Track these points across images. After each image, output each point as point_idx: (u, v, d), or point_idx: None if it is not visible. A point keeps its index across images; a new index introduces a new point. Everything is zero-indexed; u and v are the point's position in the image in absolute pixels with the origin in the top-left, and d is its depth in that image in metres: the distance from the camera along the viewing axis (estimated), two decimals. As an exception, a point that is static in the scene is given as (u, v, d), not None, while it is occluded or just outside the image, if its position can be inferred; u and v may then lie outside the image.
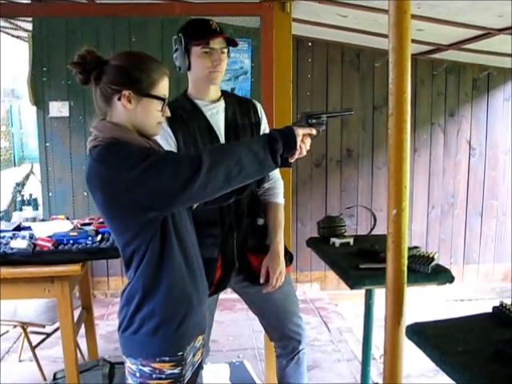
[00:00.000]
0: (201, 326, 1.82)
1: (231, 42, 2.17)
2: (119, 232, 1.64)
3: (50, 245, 2.60)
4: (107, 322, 4.39)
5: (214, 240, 2.21)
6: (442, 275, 2.13)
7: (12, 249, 2.56)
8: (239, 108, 2.29)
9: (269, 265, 2.27)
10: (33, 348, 3.30)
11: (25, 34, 5.12)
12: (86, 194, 4.73)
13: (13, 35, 5.67)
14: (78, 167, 4.73)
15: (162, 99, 1.66)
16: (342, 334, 4.26)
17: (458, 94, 5.19)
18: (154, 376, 1.65)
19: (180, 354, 1.67)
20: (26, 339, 3.34)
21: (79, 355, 3.26)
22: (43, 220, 3.42)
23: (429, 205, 5.29)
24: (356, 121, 5.02)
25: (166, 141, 2.13)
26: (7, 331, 3.57)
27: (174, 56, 2.22)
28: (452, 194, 5.31)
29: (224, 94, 2.31)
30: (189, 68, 2.18)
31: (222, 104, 2.26)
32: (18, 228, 2.97)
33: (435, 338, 1.36)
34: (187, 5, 3.19)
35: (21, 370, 3.58)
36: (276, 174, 2.31)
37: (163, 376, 1.65)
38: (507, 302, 1.50)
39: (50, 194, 4.78)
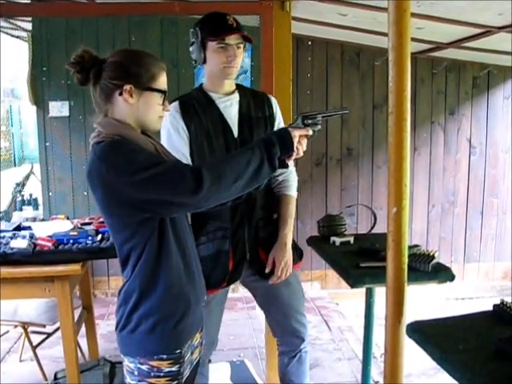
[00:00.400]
0: (198, 325, 1.82)
1: (247, 38, 2.18)
2: (117, 230, 1.64)
3: (50, 244, 2.60)
4: (108, 321, 4.39)
5: (224, 232, 2.23)
6: (442, 273, 2.13)
7: (12, 249, 2.56)
8: (253, 101, 2.31)
9: (275, 255, 2.27)
10: (33, 348, 3.30)
11: (24, 34, 5.11)
12: (86, 193, 4.73)
13: (12, 35, 5.66)
14: (78, 167, 4.73)
15: (163, 92, 1.67)
16: (343, 333, 4.26)
17: (458, 93, 5.18)
18: (152, 374, 1.65)
19: (178, 351, 1.67)
20: (26, 339, 3.34)
21: (80, 355, 3.26)
22: (43, 220, 3.42)
23: (429, 203, 5.29)
24: (356, 119, 5.02)
25: (178, 132, 2.16)
26: (8, 331, 3.57)
27: (190, 49, 2.25)
28: (452, 192, 5.31)
29: (238, 87, 2.33)
30: (204, 62, 2.20)
31: (236, 97, 2.28)
32: (18, 228, 2.97)
33: (436, 337, 1.36)
34: (186, 4, 3.18)
35: (22, 370, 3.58)
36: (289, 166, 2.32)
37: (161, 374, 1.66)
38: (508, 300, 1.50)
39: (50, 193, 4.78)
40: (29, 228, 2.92)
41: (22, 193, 4.84)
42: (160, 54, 4.44)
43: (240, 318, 4.49)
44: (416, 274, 2.05)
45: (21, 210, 4.43)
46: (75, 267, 2.55)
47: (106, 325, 4.31)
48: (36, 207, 4.58)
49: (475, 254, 5.43)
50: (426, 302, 4.54)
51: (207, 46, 2.16)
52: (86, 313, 3.32)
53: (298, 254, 2.41)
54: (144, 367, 1.65)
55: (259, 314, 4.28)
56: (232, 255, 2.25)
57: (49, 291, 2.62)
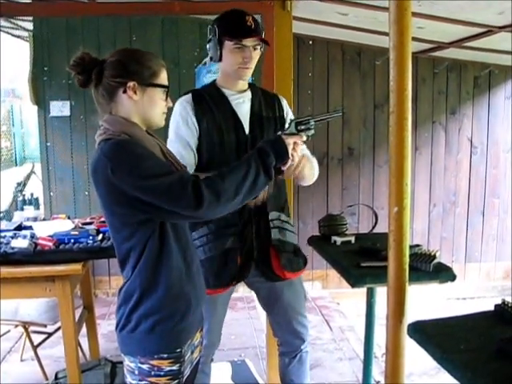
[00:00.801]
0: (199, 324, 1.83)
1: (264, 41, 2.19)
2: (117, 228, 1.64)
3: (51, 244, 2.60)
4: (109, 321, 4.39)
5: (232, 229, 2.22)
6: (443, 273, 2.13)
7: (13, 248, 2.56)
8: (265, 100, 2.32)
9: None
10: (34, 347, 3.30)
11: (26, 34, 5.12)
12: (87, 193, 4.74)
13: (14, 35, 5.67)
14: (79, 166, 4.74)
15: (166, 87, 1.69)
16: (344, 333, 4.26)
17: (459, 92, 5.18)
18: (152, 373, 1.65)
19: (178, 350, 1.67)
20: (27, 339, 3.34)
21: (81, 354, 3.26)
22: (44, 219, 3.42)
23: (430, 203, 5.29)
24: (357, 119, 5.02)
25: (186, 123, 2.18)
26: (9, 331, 3.57)
27: (207, 46, 2.26)
28: (453, 192, 5.31)
29: (251, 85, 2.34)
30: (220, 59, 2.21)
31: (248, 94, 2.29)
32: (19, 227, 2.97)
33: (437, 337, 1.35)
34: (187, 3, 3.18)
35: (22, 370, 3.58)
36: (306, 152, 2.29)
37: (162, 373, 1.66)
38: (509, 299, 1.50)
39: (52, 193, 4.79)
40: (30, 228, 2.92)
41: (23, 192, 4.85)
42: (161, 53, 4.44)
43: (241, 318, 4.49)
44: (417, 273, 2.04)
45: (22, 209, 4.43)
46: (76, 267, 2.55)
47: (107, 324, 4.31)
48: (37, 207, 4.58)
49: (476, 254, 5.43)
50: (427, 301, 4.54)
51: (224, 45, 2.17)
52: (87, 312, 3.32)
53: (302, 260, 2.42)
54: (144, 366, 1.65)
55: (260, 314, 4.28)
56: (240, 253, 2.25)
57: (50, 291, 2.61)
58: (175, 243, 1.67)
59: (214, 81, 2.33)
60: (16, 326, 3.34)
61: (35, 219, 3.39)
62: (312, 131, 1.84)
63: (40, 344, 3.37)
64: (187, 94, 2.25)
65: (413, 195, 5.04)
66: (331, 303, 4.96)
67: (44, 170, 4.79)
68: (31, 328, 3.35)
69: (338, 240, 2.58)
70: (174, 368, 1.67)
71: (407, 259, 1.34)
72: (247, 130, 2.22)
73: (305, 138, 1.77)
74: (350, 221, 2.67)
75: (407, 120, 1.28)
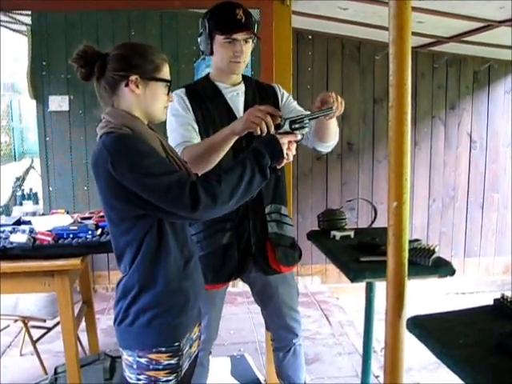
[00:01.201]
0: (197, 318, 1.83)
1: (255, 34, 2.17)
2: (115, 222, 1.65)
3: (49, 239, 2.60)
4: (108, 316, 4.40)
5: (228, 224, 2.22)
6: (442, 268, 2.13)
7: (12, 243, 2.55)
8: (259, 92, 2.31)
9: (324, 94, 2.00)
10: (34, 342, 3.30)
11: (24, 28, 5.10)
12: (86, 188, 4.73)
13: (12, 29, 5.65)
14: (78, 161, 4.74)
15: (168, 81, 1.70)
16: (343, 328, 4.27)
17: (458, 87, 5.17)
18: (151, 367, 1.65)
19: (176, 344, 1.68)
20: (26, 333, 3.35)
21: (80, 349, 3.26)
22: (43, 214, 3.41)
23: (429, 198, 5.29)
24: (356, 114, 5.01)
25: (186, 110, 2.16)
26: (8, 325, 3.58)
27: (199, 39, 2.23)
28: (453, 187, 5.31)
29: (245, 78, 2.32)
30: (211, 53, 2.19)
31: (242, 87, 2.28)
32: (18, 222, 2.96)
33: (436, 331, 1.35)
34: (186, -2, 3.17)
35: (22, 365, 3.59)
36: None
37: (160, 367, 1.66)
38: (508, 294, 1.50)
39: (51, 188, 4.78)
40: (29, 222, 2.92)
41: (22, 187, 4.85)
42: (160, 48, 4.41)
43: (240, 313, 4.50)
44: (416, 268, 2.04)
45: (21, 204, 4.43)
46: (75, 262, 2.55)
47: (107, 319, 4.32)
48: (36, 202, 4.57)
49: (476, 249, 5.43)
50: (427, 296, 4.54)
51: (214, 39, 2.15)
52: (86, 307, 3.32)
53: (297, 254, 2.42)
54: (143, 360, 1.65)
55: (259, 309, 4.28)
56: (237, 248, 2.25)
57: (49, 286, 2.61)
58: (173, 238, 1.67)
59: (208, 74, 2.31)
60: (15, 320, 3.34)
61: (34, 214, 3.39)
62: (306, 129, 1.84)
63: (39, 339, 3.38)
64: (180, 88, 2.23)
65: (412, 190, 5.04)
66: (330, 298, 4.97)
67: (43, 165, 4.79)
68: (30, 323, 3.35)
69: (338, 235, 2.58)
70: (173, 362, 1.67)
71: (406, 254, 1.34)
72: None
73: (299, 137, 1.77)
74: (349, 216, 2.67)
75: (407, 114, 1.27)
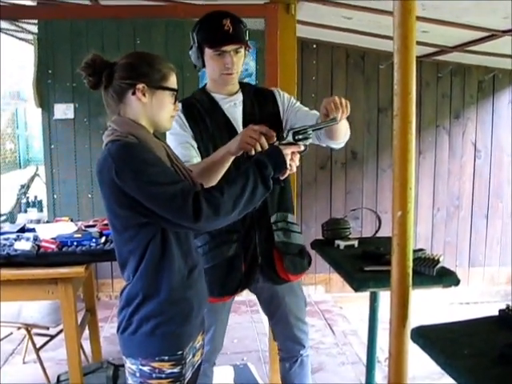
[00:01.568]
0: (200, 327, 1.83)
1: (244, 44, 2.14)
2: (119, 230, 1.65)
3: (54, 246, 2.60)
4: (111, 324, 4.39)
5: (234, 236, 2.20)
6: (447, 278, 2.12)
7: (16, 250, 2.56)
8: (257, 100, 2.27)
9: (326, 101, 1.98)
10: (37, 350, 3.30)
11: (30, 37, 5.13)
12: (90, 196, 4.74)
13: (19, 38, 5.68)
14: (82, 169, 4.74)
15: (175, 90, 1.70)
16: (347, 337, 4.25)
17: (463, 96, 5.17)
18: (154, 375, 1.65)
19: (179, 353, 1.67)
20: (30, 341, 3.34)
21: (83, 357, 3.26)
22: (48, 222, 3.42)
23: (434, 207, 5.28)
24: (361, 123, 5.01)
25: (184, 128, 2.13)
26: (11, 333, 3.57)
27: (190, 53, 2.22)
28: (457, 196, 5.30)
29: (242, 86, 2.29)
30: (203, 66, 2.17)
31: (239, 97, 2.25)
32: (23, 230, 2.97)
33: (440, 342, 1.35)
34: (191, 6, 3.19)
35: (25, 372, 3.58)
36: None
37: (163, 375, 1.66)
38: (513, 304, 1.49)
39: (55, 195, 4.79)
40: (33, 230, 2.93)
41: (27, 195, 4.85)
42: (165, 56, 4.44)
43: (243, 322, 4.48)
44: (421, 278, 2.03)
45: (25, 211, 4.43)
46: (79, 269, 2.55)
47: (110, 327, 4.31)
48: (40, 209, 4.57)
49: (480, 259, 5.41)
50: (431, 306, 4.52)
51: (204, 52, 2.13)
52: (90, 315, 3.32)
53: (306, 261, 2.41)
54: (146, 368, 1.65)
55: (263, 318, 4.27)
56: (244, 259, 2.23)
57: (52, 293, 2.62)
58: (177, 247, 1.67)
59: (205, 86, 2.29)
60: (19, 328, 3.33)
61: (38, 221, 3.39)
62: (310, 140, 1.83)
63: (42, 346, 3.37)
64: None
65: (416, 199, 5.02)
66: (334, 307, 4.95)
67: (48, 173, 4.80)
68: (34, 330, 3.34)
69: (342, 244, 2.57)
70: (176, 370, 1.67)
71: (411, 263, 1.34)
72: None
73: (302, 148, 1.76)
74: (353, 225, 2.66)
75: (411, 123, 1.27)
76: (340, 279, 2.30)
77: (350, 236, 2.69)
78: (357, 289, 2.13)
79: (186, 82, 4.40)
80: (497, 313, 1.51)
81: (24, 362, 3.69)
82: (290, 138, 1.78)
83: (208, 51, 2.11)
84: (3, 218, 4.04)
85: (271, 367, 3.09)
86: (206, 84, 2.29)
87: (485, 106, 5.21)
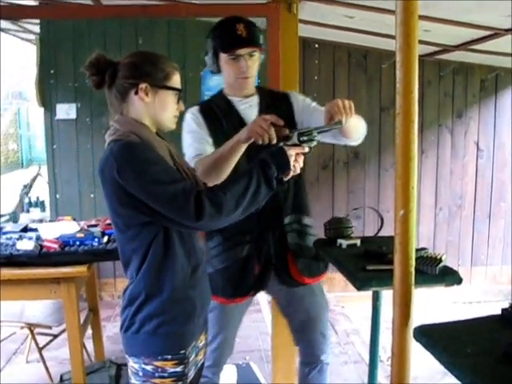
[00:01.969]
0: (203, 327, 1.83)
1: (259, 48, 2.16)
2: (121, 229, 1.65)
3: (56, 246, 2.60)
4: (114, 323, 4.39)
5: (247, 237, 2.21)
6: (449, 277, 2.11)
7: (19, 250, 2.57)
8: (273, 102, 2.28)
9: (329, 105, 1.98)
10: (40, 349, 3.30)
11: (33, 37, 5.14)
12: (92, 195, 4.74)
13: (21, 38, 5.70)
14: (84, 169, 4.75)
15: (178, 90, 1.70)
16: (349, 336, 4.25)
17: (465, 96, 5.16)
18: (156, 374, 1.65)
19: (182, 352, 1.68)
20: (32, 340, 3.35)
21: (86, 357, 3.27)
22: (50, 222, 3.42)
23: (436, 207, 5.27)
24: (363, 122, 4.99)
25: (200, 126, 2.17)
26: (14, 332, 3.58)
27: (205, 58, 2.24)
28: (460, 195, 5.29)
29: (258, 89, 2.31)
30: (219, 71, 2.20)
31: (255, 99, 2.27)
32: (25, 229, 2.97)
33: (443, 340, 1.35)
34: (193, 6, 3.19)
35: (28, 371, 3.59)
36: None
37: (166, 374, 1.66)
38: (516, 303, 1.49)
39: (57, 195, 4.80)
40: (35, 230, 2.93)
41: (29, 194, 4.86)
42: (167, 56, 4.43)
43: (246, 321, 4.42)
44: (423, 277, 2.03)
45: (28, 211, 4.44)
46: (81, 269, 2.56)
47: (113, 327, 4.31)
48: (43, 209, 4.58)
49: (482, 258, 5.40)
50: (433, 305, 4.52)
51: (219, 57, 2.16)
52: (92, 315, 3.33)
53: (323, 264, 2.40)
54: (148, 367, 1.65)
55: (265, 317, 4.27)
56: (257, 261, 2.23)
57: (55, 293, 2.62)
58: (180, 246, 1.67)
59: (222, 90, 2.31)
60: (21, 327, 3.34)
61: (41, 221, 3.40)
62: (315, 142, 1.83)
63: (45, 346, 3.38)
64: (195, 106, 2.24)
65: (419, 198, 5.02)
66: (336, 306, 4.94)
67: (50, 173, 4.80)
68: (36, 330, 3.35)
69: (344, 243, 2.57)
70: (178, 369, 1.67)
71: (413, 262, 1.34)
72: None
73: (307, 150, 1.76)
74: (355, 224, 2.65)
75: (414, 122, 1.27)
76: (342, 278, 2.30)
77: (353, 235, 2.69)
78: (359, 288, 2.12)
79: (189, 82, 4.42)
80: (499, 312, 1.50)
81: (27, 362, 3.70)
82: (294, 139, 1.78)
83: (223, 56, 2.13)
84: (6, 217, 4.05)
85: (273, 366, 3.09)
86: (222, 88, 2.31)
87: (487, 106, 5.19)
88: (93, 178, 4.69)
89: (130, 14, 3.23)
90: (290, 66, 2.89)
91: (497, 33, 3.40)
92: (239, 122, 2.20)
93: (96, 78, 1.67)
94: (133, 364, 1.69)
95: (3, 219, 3.98)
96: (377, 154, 5.09)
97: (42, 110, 4.75)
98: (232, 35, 2.09)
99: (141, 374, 1.67)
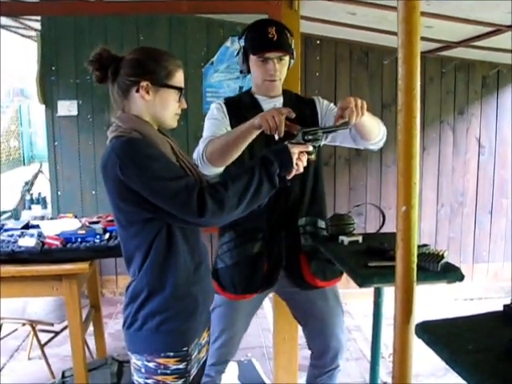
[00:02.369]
0: (206, 324, 1.83)
1: (288, 53, 2.17)
2: (123, 225, 1.66)
3: (58, 243, 2.61)
4: (116, 320, 4.40)
5: (259, 234, 2.22)
6: (451, 273, 2.11)
7: (20, 247, 2.57)
8: (298, 105, 2.28)
9: (342, 102, 1.93)
10: (41, 346, 3.31)
11: (34, 34, 5.14)
12: (94, 192, 4.74)
13: (22, 34, 5.69)
14: (86, 166, 4.75)
15: (180, 89, 1.69)
16: (351, 333, 4.25)
17: (467, 92, 5.15)
18: (159, 371, 1.66)
19: (185, 349, 1.68)
20: (34, 337, 3.36)
21: (88, 353, 3.27)
22: (52, 218, 3.43)
23: (438, 203, 5.27)
24: (364, 119, 4.99)
25: (223, 114, 2.20)
26: (16, 329, 3.59)
27: (236, 58, 2.28)
28: (461, 192, 5.28)
29: (284, 91, 2.32)
30: (248, 72, 2.23)
31: (280, 99, 2.29)
32: (27, 226, 2.98)
33: (445, 337, 1.34)
34: (194, 2, 3.18)
35: (30, 368, 3.60)
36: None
37: (168, 371, 1.66)
38: (518, 300, 1.49)
39: (59, 192, 4.79)
40: (37, 226, 2.93)
41: (31, 192, 4.87)
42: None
43: (248, 318, 4.48)
44: (425, 273, 2.03)
45: (29, 208, 4.46)
46: (83, 266, 2.56)
47: (114, 323, 4.32)
48: (44, 206, 4.60)
49: (484, 254, 5.40)
50: (435, 302, 4.52)
51: (249, 59, 2.18)
52: (94, 311, 3.33)
53: (338, 269, 2.39)
54: (151, 364, 1.66)
55: (267, 314, 4.27)
56: (267, 259, 2.23)
57: (57, 290, 2.62)
58: (183, 242, 1.67)
59: (250, 89, 2.34)
60: (23, 324, 3.35)
61: (42, 218, 3.40)
62: (320, 142, 1.83)
63: (47, 343, 3.39)
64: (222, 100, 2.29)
65: (420, 195, 5.01)
66: (338, 303, 4.94)
67: (51, 170, 4.80)
68: (38, 327, 3.36)
69: (346, 240, 2.57)
70: (181, 366, 1.67)
71: (415, 259, 1.34)
72: (277, 136, 2.19)
73: (311, 149, 1.76)
74: (357, 221, 2.65)
75: (415, 119, 1.27)
76: (344, 275, 2.30)
77: (354, 232, 2.69)
78: (361, 284, 2.12)
79: (190, 79, 4.41)
80: (501, 308, 1.50)
81: (29, 358, 3.71)
82: (299, 138, 1.78)
83: (252, 57, 2.16)
84: (7, 214, 4.06)
85: (275, 363, 3.09)
86: (251, 87, 2.34)
87: (489, 102, 5.19)
88: (94, 175, 4.69)
89: (131, 11, 3.22)
90: (292, 62, 2.88)
91: (498, 29, 3.40)
92: None
93: (99, 74, 1.67)
94: (135, 361, 1.69)
95: (5, 216, 3.99)
96: (378, 150, 5.06)
97: (43, 107, 4.74)
98: (263, 38, 2.11)
99: (143, 370, 1.67)
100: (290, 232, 2.26)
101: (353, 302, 4.78)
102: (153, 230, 1.62)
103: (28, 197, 4.62)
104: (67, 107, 4.68)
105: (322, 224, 2.37)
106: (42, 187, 5.29)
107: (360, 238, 2.59)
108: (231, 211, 1.59)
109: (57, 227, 2.81)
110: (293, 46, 2.22)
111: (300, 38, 2.91)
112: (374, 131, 2.16)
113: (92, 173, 4.71)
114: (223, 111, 2.21)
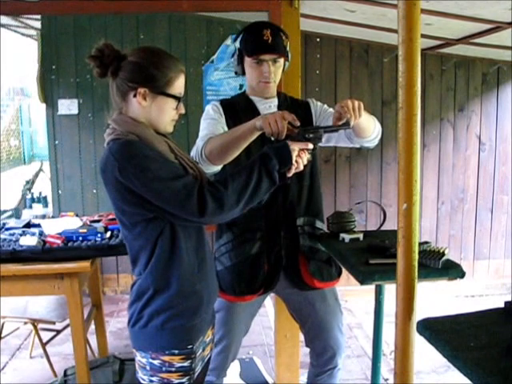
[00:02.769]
0: (210, 322, 1.83)
1: (282, 56, 2.18)
2: (127, 226, 1.66)
3: (59, 242, 2.61)
4: (117, 318, 4.41)
5: (257, 234, 2.22)
6: (452, 270, 2.11)
7: (22, 246, 2.57)
8: (292, 105, 2.30)
9: (339, 104, 1.94)
10: (43, 345, 3.32)
11: (34, 33, 5.13)
12: (95, 191, 4.74)
13: (22, 33, 5.69)
14: (87, 164, 4.75)
15: (177, 98, 1.68)
16: (352, 330, 4.25)
17: (467, 89, 5.15)
18: (163, 369, 1.66)
19: (189, 347, 1.68)
20: (36, 336, 3.36)
21: (89, 352, 3.28)
22: (53, 217, 3.43)
23: (438, 200, 5.27)
24: (365, 116, 4.98)
25: (219, 114, 2.20)
26: (18, 328, 3.59)
27: (232, 60, 2.29)
28: (462, 189, 5.28)
29: (279, 93, 2.34)
30: (243, 73, 2.24)
31: (275, 101, 2.30)
32: (28, 225, 2.98)
33: (446, 334, 1.35)
34: (195, 1, 3.18)
35: (32, 367, 3.60)
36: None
37: (173, 369, 1.67)
38: (519, 297, 1.49)
39: (60, 191, 4.80)
40: (38, 225, 2.93)
41: (32, 190, 4.87)
42: (168, 51, 4.43)
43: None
44: (426, 270, 2.03)
45: (30, 207, 4.45)
46: (84, 264, 2.56)
47: (116, 322, 4.33)
48: (45, 205, 4.60)
49: (485, 251, 5.40)
50: (436, 299, 4.52)
51: (244, 60, 2.19)
52: (96, 310, 3.33)
53: (336, 270, 2.40)
54: (156, 362, 1.66)
55: (268, 312, 4.28)
56: (267, 259, 2.23)
57: (58, 288, 2.62)
58: (187, 241, 1.68)
59: (245, 90, 2.36)
60: (25, 323, 3.36)
61: (43, 217, 3.40)
62: (321, 140, 1.83)
63: (49, 341, 3.39)
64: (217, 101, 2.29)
65: (421, 192, 5.02)
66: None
67: (52, 168, 4.80)
68: (40, 325, 3.36)
69: (347, 237, 2.57)
70: (186, 364, 1.68)
71: (416, 256, 1.34)
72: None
73: (311, 146, 1.76)
74: (358, 218, 2.65)
75: (416, 116, 1.27)
76: (345, 272, 2.31)
77: (355, 229, 2.69)
78: (362, 282, 2.13)
79: (190, 77, 4.41)
80: (502, 305, 1.50)
81: (31, 357, 3.71)
82: (300, 136, 1.79)
83: (247, 59, 2.18)
84: (9, 213, 4.06)
85: (277, 361, 3.10)
86: (245, 89, 2.36)
87: (489, 99, 5.19)
88: (95, 174, 4.69)
89: (131, 9, 3.22)
90: (292, 60, 2.87)
91: (498, 26, 3.39)
92: None
93: (99, 70, 1.67)
94: (140, 358, 1.70)
95: (6, 215, 3.99)
96: (379, 148, 5.08)
97: (43, 105, 4.74)
98: (258, 40, 2.13)
99: (148, 368, 1.68)
100: (288, 232, 2.26)
101: (354, 299, 4.79)
102: (156, 229, 1.62)
103: (29, 196, 4.62)
104: (68, 106, 4.68)
105: (319, 225, 2.36)
106: (43, 186, 5.29)
107: (361, 236, 2.59)
108: (231, 209, 1.60)
109: (58, 226, 2.81)
110: (288, 49, 2.23)
111: (300, 36, 2.91)
112: (369, 129, 2.16)
113: (93, 171, 4.71)
114: (219, 112, 2.22)
